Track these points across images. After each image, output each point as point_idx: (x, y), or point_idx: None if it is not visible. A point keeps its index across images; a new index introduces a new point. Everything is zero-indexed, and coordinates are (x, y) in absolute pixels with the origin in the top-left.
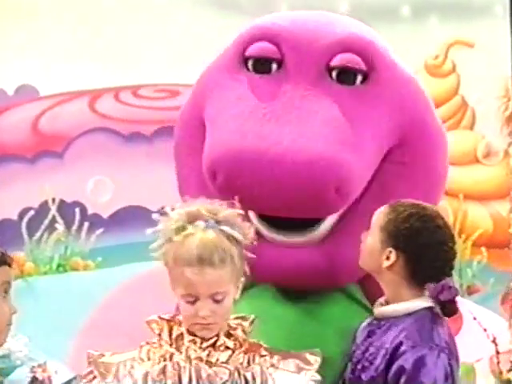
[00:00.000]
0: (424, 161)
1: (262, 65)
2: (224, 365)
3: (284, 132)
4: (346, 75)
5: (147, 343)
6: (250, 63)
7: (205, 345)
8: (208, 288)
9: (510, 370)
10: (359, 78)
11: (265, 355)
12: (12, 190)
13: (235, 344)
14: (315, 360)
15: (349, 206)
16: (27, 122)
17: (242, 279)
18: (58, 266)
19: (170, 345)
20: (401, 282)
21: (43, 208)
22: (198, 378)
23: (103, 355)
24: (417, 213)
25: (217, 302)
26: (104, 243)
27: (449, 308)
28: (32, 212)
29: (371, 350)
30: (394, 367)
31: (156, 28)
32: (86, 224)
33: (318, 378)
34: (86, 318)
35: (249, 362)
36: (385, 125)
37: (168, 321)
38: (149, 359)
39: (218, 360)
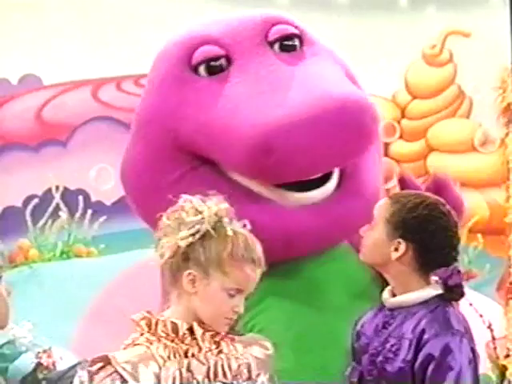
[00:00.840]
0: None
1: (213, 66)
2: (237, 355)
3: (293, 95)
4: (286, 44)
5: (146, 341)
6: (201, 69)
7: (217, 338)
8: (252, 286)
9: (506, 357)
10: (297, 42)
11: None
12: (16, 177)
13: (235, 334)
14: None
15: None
16: (31, 111)
17: None
18: (62, 252)
19: (173, 340)
20: (410, 272)
21: (47, 196)
22: (229, 369)
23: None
24: (422, 201)
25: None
26: (107, 230)
27: (456, 292)
28: (36, 200)
29: (392, 341)
30: (421, 356)
31: (157, 19)
32: (90, 211)
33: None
34: (90, 303)
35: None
36: (339, 70)
37: (160, 316)
38: (169, 357)
39: (220, 351)
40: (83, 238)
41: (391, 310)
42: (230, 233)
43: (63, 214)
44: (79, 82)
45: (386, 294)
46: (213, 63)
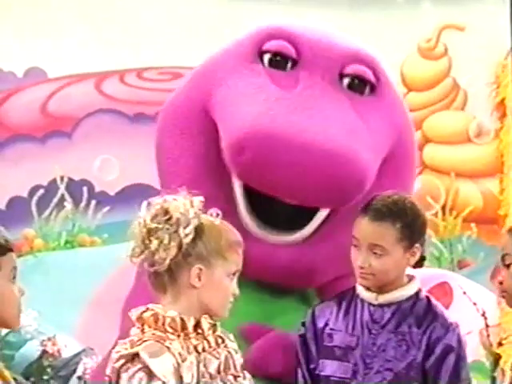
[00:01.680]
0: (403, 177)
1: (277, 61)
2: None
3: (310, 123)
4: (356, 84)
5: (157, 337)
6: (265, 58)
7: (218, 332)
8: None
9: (499, 344)
10: (367, 88)
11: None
12: (23, 168)
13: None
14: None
15: (331, 210)
16: (36, 103)
17: None
18: (66, 242)
19: (179, 336)
20: (405, 268)
21: (52, 186)
22: (237, 362)
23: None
24: (408, 201)
25: None
26: (110, 220)
27: (422, 260)
28: (42, 190)
29: (396, 338)
30: (440, 348)
31: (160, 13)
32: (93, 202)
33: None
34: (93, 292)
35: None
36: (384, 136)
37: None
38: (189, 353)
39: (228, 344)
40: (87, 228)
41: (380, 305)
42: (217, 222)
43: (68, 204)
44: (83, 75)
45: (364, 291)
46: (278, 58)
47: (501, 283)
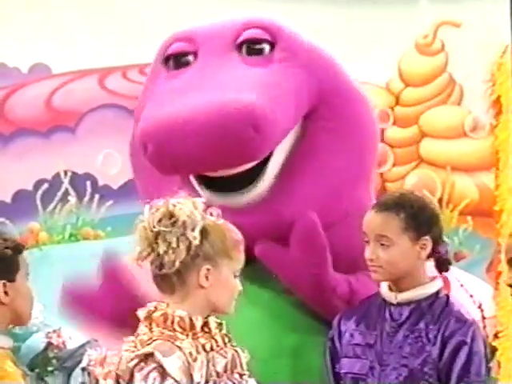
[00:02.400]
0: (349, 120)
1: (180, 61)
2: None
3: (198, 97)
4: (253, 48)
5: (167, 336)
6: (170, 63)
7: (224, 331)
8: None
9: (495, 337)
10: (266, 47)
11: None
12: (27, 162)
13: None
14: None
15: (283, 166)
16: (41, 98)
17: None
18: (70, 235)
19: (188, 335)
20: (422, 264)
21: (56, 180)
22: (243, 360)
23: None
24: (417, 195)
25: None
26: (113, 213)
27: (449, 263)
28: (46, 185)
29: (413, 336)
30: (452, 343)
31: (161, 11)
32: (97, 196)
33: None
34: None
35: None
36: (300, 83)
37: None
38: (198, 352)
39: (236, 344)
40: (91, 222)
41: (399, 304)
42: (221, 221)
43: (72, 198)
44: (86, 70)
45: (385, 289)
46: (180, 58)
47: (510, 286)
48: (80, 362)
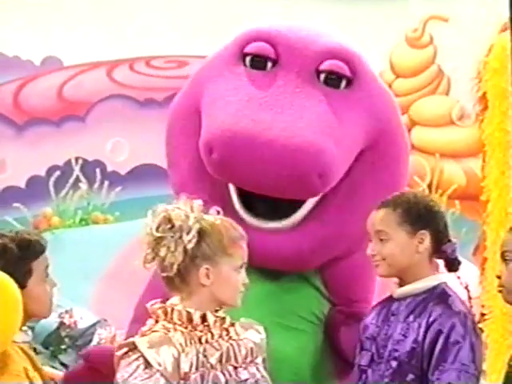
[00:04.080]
0: (390, 163)
1: (258, 62)
2: (243, 339)
3: (276, 120)
4: (332, 79)
5: (164, 328)
6: (247, 60)
7: (226, 325)
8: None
9: (481, 315)
10: (344, 82)
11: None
12: (40, 149)
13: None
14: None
15: (320, 198)
16: (53, 89)
17: None
18: (81, 219)
19: (186, 327)
20: (424, 258)
21: (68, 167)
22: (240, 354)
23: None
24: (417, 193)
25: None
26: (122, 198)
27: (458, 263)
28: (58, 172)
29: (401, 325)
30: (430, 332)
31: (167, 5)
32: (106, 182)
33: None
34: (106, 266)
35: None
36: (362, 127)
37: (174, 305)
38: (189, 344)
39: (237, 337)
40: (100, 206)
41: (399, 299)
42: (218, 222)
43: (83, 185)
44: (96, 63)
45: (394, 285)
46: (258, 58)
47: (499, 277)
48: (91, 340)
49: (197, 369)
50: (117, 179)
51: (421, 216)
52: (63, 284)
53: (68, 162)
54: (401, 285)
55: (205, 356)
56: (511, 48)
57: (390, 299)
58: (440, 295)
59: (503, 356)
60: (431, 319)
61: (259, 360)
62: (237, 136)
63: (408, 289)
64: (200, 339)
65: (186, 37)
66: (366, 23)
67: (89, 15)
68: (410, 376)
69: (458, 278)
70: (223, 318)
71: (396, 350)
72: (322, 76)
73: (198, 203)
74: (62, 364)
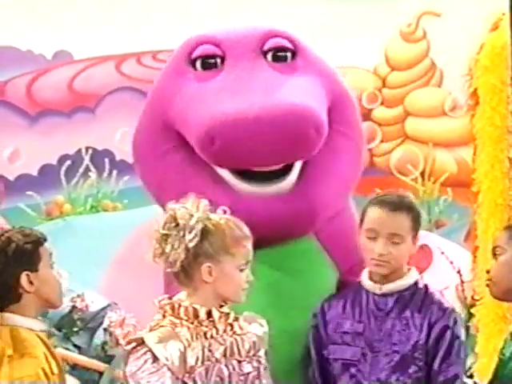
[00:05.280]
0: (352, 123)
1: (208, 63)
2: (245, 334)
3: (258, 98)
4: (278, 55)
5: (171, 324)
6: (198, 63)
7: (230, 320)
8: (251, 257)
9: (473, 300)
10: (289, 55)
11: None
12: (52, 139)
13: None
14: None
15: (305, 163)
16: (64, 82)
17: None
18: (91, 207)
19: (193, 323)
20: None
21: (78, 156)
22: (243, 348)
23: (145, 338)
24: (410, 195)
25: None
26: (130, 186)
27: None
28: (69, 161)
29: (400, 324)
30: (437, 328)
31: (174, 1)
32: (115, 171)
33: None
34: (116, 252)
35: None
36: (322, 88)
37: (181, 301)
38: (196, 338)
39: (241, 332)
40: (110, 194)
41: (383, 295)
42: (222, 221)
43: (92, 174)
44: (105, 57)
45: (368, 281)
46: (208, 60)
47: (488, 272)
48: (101, 323)
49: (202, 363)
50: (125, 168)
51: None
52: (75, 269)
53: (78, 152)
54: (382, 280)
55: (210, 350)
56: (511, 45)
57: (362, 294)
58: (427, 291)
59: (494, 340)
60: (434, 315)
61: (261, 353)
62: (230, 119)
63: (395, 285)
64: (205, 334)
65: (191, 31)
66: (362, 19)
67: (98, 11)
68: (413, 368)
69: (451, 263)
70: (228, 314)
71: (396, 344)
72: (269, 55)
73: (204, 203)
74: (75, 345)
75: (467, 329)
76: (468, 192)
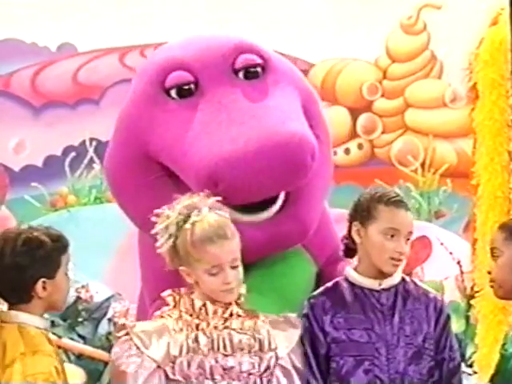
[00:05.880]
0: (321, 121)
1: (183, 90)
2: (244, 331)
3: (248, 130)
4: (250, 72)
5: (168, 315)
6: (173, 92)
7: (227, 314)
8: (228, 257)
9: (472, 290)
10: (259, 70)
11: (263, 319)
12: (57, 130)
13: (245, 311)
14: (297, 320)
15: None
16: (68, 74)
17: None
18: (96, 198)
19: (191, 315)
20: None
21: (82, 148)
22: (231, 343)
23: (135, 325)
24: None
25: (235, 268)
26: None
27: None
28: (73, 153)
29: (408, 317)
30: (442, 319)
31: None
32: None
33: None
34: (120, 242)
35: (255, 326)
36: (295, 97)
37: (186, 294)
38: (181, 330)
39: (241, 328)
40: None
41: (383, 290)
42: (187, 226)
43: (96, 166)
44: (108, 49)
45: (363, 278)
46: (183, 87)
47: (489, 273)
48: (106, 313)
49: (187, 353)
50: None
51: None
52: (79, 259)
53: (83, 143)
54: (380, 276)
55: (196, 342)
56: (511, 40)
57: (357, 292)
58: (416, 284)
59: (493, 331)
60: (438, 306)
61: (282, 352)
62: (235, 161)
63: (393, 280)
64: (197, 326)
65: (193, 24)
66: (363, 11)
67: (102, 5)
68: (426, 358)
69: (451, 253)
70: (226, 308)
71: (409, 336)
72: (241, 73)
73: (188, 201)
74: (80, 335)
75: (467, 318)
76: (467, 183)
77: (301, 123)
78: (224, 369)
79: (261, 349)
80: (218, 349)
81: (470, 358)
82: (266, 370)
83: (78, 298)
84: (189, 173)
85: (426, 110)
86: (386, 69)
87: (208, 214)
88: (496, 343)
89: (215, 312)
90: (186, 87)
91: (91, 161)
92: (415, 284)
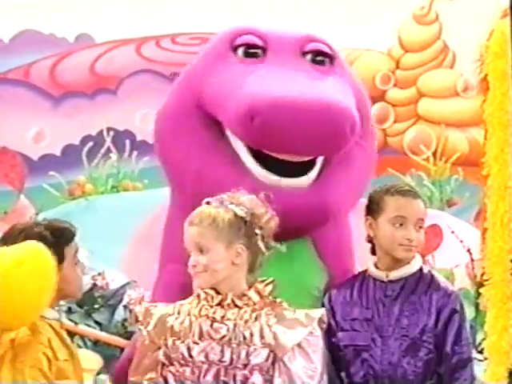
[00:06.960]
0: (368, 134)
1: (250, 52)
2: (225, 322)
3: (299, 88)
4: (317, 59)
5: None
6: (240, 50)
7: (214, 303)
8: (191, 242)
9: (482, 278)
10: (327, 60)
11: (269, 314)
12: (75, 120)
13: (246, 303)
14: (312, 319)
15: (325, 165)
16: (86, 64)
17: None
18: (112, 187)
19: (200, 303)
20: None
21: (100, 137)
22: (201, 332)
23: (155, 306)
24: None
25: (201, 252)
26: (150, 166)
27: None
28: (91, 143)
29: (408, 308)
30: (446, 312)
31: None
32: (135, 152)
33: (318, 332)
34: (136, 231)
35: (256, 319)
36: (351, 96)
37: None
38: (179, 313)
39: (223, 317)
40: (130, 175)
41: (390, 281)
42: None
43: (113, 155)
44: (125, 40)
45: (375, 269)
46: (250, 49)
47: None
48: (122, 300)
49: (179, 338)
50: (145, 149)
51: None
52: (96, 247)
53: (100, 133)
54: (388, 268)
55: (182, 326)
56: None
57: (362, 282)
58: (432, 277)
59: (502, 319)
60: (441, 300)
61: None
62: (274, 100)
63: (401, 272)
64: (199, 312)
65: (208, 15)
66: (376, 2)
67: None
68: (423, 351)
69: (461, 242)
70: (224, 298)
71: (404, 328)
72: (308, 57)
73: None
74: (96, 322)
75: (477, 306)
76: (479, 171)
77: (349, 101)
78: (191, 356)
79: (241, 341)
80: (202, 336)
81: (479, 344)
82: (241, 363)
83: (94, 285)
84: (230, 109)
85: (438, 99)
86: (399, 59)
87: (215, 206)
88: (505, 331)
89: (206, 299)
90: (254, 50)
91: (108, 150)
92: (432, 277)
